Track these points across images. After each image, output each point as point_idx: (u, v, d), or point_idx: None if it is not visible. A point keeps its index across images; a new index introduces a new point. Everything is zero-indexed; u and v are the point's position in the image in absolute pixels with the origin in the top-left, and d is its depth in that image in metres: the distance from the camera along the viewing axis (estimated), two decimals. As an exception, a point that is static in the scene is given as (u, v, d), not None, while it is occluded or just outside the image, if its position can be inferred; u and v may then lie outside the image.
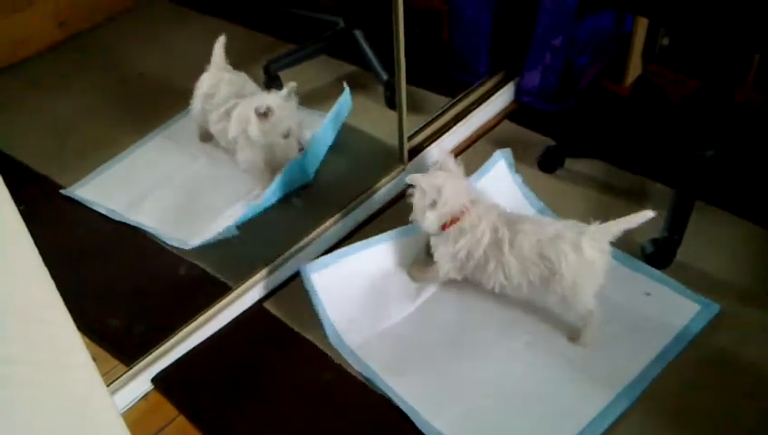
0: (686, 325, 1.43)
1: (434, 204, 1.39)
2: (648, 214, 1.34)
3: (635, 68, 2.08)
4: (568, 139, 1.86)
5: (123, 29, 2.44)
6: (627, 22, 2.01)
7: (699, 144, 1.67)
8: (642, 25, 2.00)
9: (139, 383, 1.41)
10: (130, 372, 1.39)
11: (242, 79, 1.77)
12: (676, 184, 1.65)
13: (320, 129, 1.79)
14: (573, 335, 1.43)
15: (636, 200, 1.71)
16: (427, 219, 1.40)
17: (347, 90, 1.84)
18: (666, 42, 2.03)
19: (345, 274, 1.52)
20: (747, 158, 1.77)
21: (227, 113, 1.69)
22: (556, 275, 1.33)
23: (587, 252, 1.32)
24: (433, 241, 1.46)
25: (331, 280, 1.50)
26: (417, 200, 1.42)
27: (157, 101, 2.10)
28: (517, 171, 1.77)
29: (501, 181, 1.73)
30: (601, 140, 1.89)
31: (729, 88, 1.67)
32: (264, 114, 1.57)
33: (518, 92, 2.05)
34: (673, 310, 1.46)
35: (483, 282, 1.42)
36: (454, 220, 1.40)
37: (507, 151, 1.74)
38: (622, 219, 1.35)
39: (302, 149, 1.65)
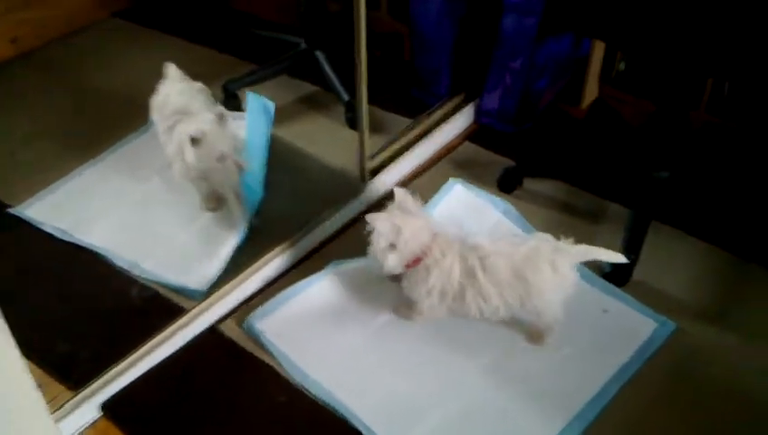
0: (643, 343, 1.44)
1: (393, 245, 1.36)
2: (620, 258, 1.38)
3: (591, 91, 2.12)
4: (526, 159, 1.88)
5: (78, 47, 2.39)
6: (584, 46, 2.04)
7: (654, 165, 1.69)
8: (599, 50, 2.04)
9: (88, 410, 1.36)
10: (78, 398, 1.34)
11: (194, 90, 1.74)
12: (632, 204, 1.67)
13: (244, 142, 1.76)
14: (534, 338, 1.44)
15: (593, 220, 1.73)
16: (390, 261, 1.37)
17: (251, 95, 1.80)
18: (622, 66, 2.07)
19: (292, 315, 1.51)
20: (702, 179, 1.80)
21: (171, 128, 1.66)
22: (533, 293, 1.34)
23: (562, 269, 1.34)
24: (404, 284, 1.44)
25: (279, 324, 1.48)
26: (376, 241, 1.38)
27: (111, 120, 2.06)
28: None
29: (464, 202, 1.74)
30: (559, 160, 1.91)
31: (683, 111, 1.71)
32: (195, 140, 1.55)
33: (478, 114, 2.06)
34: (630, 327, 1.46)
35: (465, 312, 1.40)
36: (417, 260, 1.38)
37: (458, 181, 1.77)
38: (596, 249, 1.38)
39: (242, 168, 1.62)
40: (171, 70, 1.78)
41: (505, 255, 1.35)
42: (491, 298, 1.35)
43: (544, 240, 1.37)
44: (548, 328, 1.42)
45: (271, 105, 1.83)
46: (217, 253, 1.62)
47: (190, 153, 1.57)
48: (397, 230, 1.35)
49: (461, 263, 1.36)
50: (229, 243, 1.64)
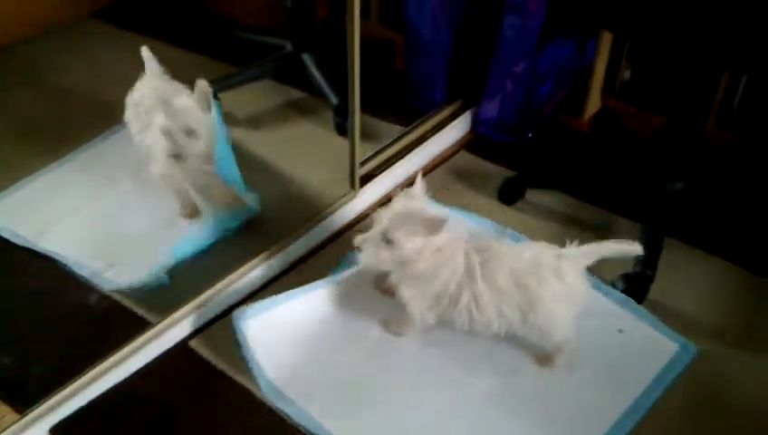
0: (663, 368, 1.30)
1: (388, 243, 1.20)
2: (635, 248, 1.23)
3: (594, 102, 2.01)
4: (529, 170, 1.76)
5: (51, 46, 2.24)
6: (587, 54, 1.94)
7: (669, 176, 1.58)
8: (603, 57, 1.93)
9: (34, 435, 1.19)
10: (24, 421, 1.18)
11: (173, 88, 1.60)
12: (644, 218, 1.55)
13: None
14: (544, 360, 1.30)
15: (601, 235, 1.59)
16: (381, 259, 1.21)
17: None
18: (627, 75, 1.96)
19: (282, 322, 1.35)
20: (717, 193, 1.68)
21: (147, 127, 1.53)
22: (537, 306, 1.19)
23: (568, 278, 1.19)
24: (397, 284, 1.27)
25: (266, 329, 1.32)
26: (370, 237, 1.22)
27: (81, 121, 1.91)
28: (471, 204, 1.65)
29: None
30: (563, 172, 1.79)
31: (694, 119, 1.60)
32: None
33: (475, 122, 1.94)
34: (649, 350, 1.34)
35: (454, 318, 1.25)
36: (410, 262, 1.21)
37: None
38: (605, 244, 1.24)
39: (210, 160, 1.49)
40: (149, 61, 1.64)
41: (507, 259, 1.21)
42: (486, 307, 1.21)
43: (547, 247, 1.24)
44: (557, 349, 1.28)
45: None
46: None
47: (160, 118, 1.46)
48: (390, 229, 1.18)
49: (465, 262, 1.22)
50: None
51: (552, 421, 1.23)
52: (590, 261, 1.23)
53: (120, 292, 1.42)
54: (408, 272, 1.23)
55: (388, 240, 1.19)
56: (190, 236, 1.53)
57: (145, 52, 1.65)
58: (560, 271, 1.19)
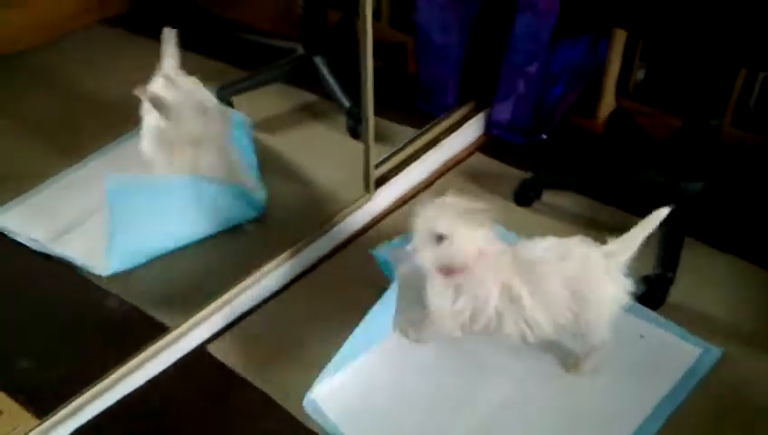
0: (685, 373, 1.28)
1: (438, 241, 1.14)
2: (662, 212, 1.21)
3: (608, 103, 2.00)
4: (545, 171, 1.75)
5: (63, 52, 2.25)
6: (600, 53, 1.92)
7: (686, 177, 1.56)
8: (617, 56, 1.92)
9: (54, 441, 1.19)
10: (44, 427, 1.18)
11: (192, 85, 1.60)
12: (666, 219, 1.53)
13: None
14: (571, 363, 1.28)
15: (619, 235, 1.59)
16: (424, 257, 1.17)
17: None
18: (641, 75, 1.95)
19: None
20: (736, 193, 1.67)
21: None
22: (586, 308, 1.17)
23: (616, 277, 1.18)
24: (428, 291, 1.23)
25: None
26: (422, 231, 1.16)
27: (96, 126, 1.91)
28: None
29: None
30: (580, 173, 1.78)
31: (707, 120, 1.58)
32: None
33: (488, 124, 1.93)
34: (670, 355, 1.31)
35: (499, 340, 1.22)
36: (452, 271, 1.18)
37: None
38: (640, 228, 1.21)
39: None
40: (166, 60, 1.64)
41: (555, 272, 1.16)
42: (543, 327, 1.18)
43: (586, 244, 1.20)
44: (590, 352, 1.26)
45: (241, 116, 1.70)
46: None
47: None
48: (448, 231, 1.13)
49: (504, 288, 1.17)
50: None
51: (574, 427, 1.21)
52: (630, 254, 1.20)
53: (136, 295, 1.41)
54: (436, 281, 1.20)
55: (438, 237, 1.14)
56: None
57: (167, 43, 1.68)
58: (609, 271, 1.17)
